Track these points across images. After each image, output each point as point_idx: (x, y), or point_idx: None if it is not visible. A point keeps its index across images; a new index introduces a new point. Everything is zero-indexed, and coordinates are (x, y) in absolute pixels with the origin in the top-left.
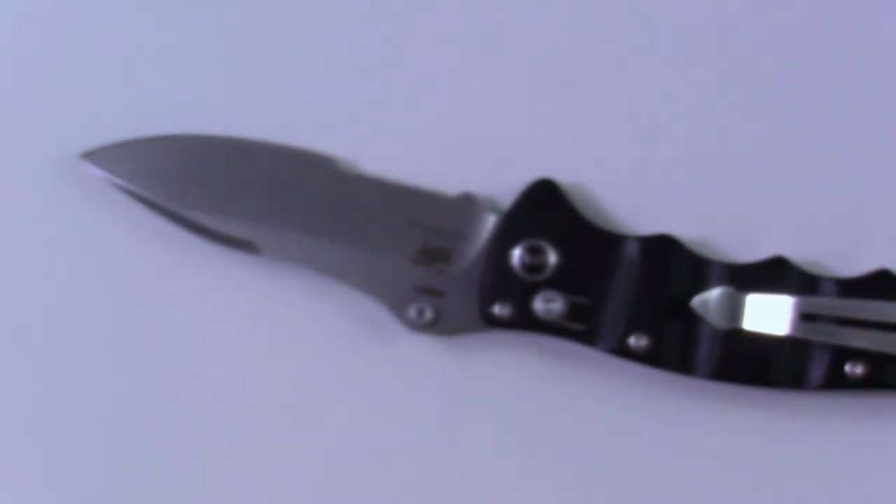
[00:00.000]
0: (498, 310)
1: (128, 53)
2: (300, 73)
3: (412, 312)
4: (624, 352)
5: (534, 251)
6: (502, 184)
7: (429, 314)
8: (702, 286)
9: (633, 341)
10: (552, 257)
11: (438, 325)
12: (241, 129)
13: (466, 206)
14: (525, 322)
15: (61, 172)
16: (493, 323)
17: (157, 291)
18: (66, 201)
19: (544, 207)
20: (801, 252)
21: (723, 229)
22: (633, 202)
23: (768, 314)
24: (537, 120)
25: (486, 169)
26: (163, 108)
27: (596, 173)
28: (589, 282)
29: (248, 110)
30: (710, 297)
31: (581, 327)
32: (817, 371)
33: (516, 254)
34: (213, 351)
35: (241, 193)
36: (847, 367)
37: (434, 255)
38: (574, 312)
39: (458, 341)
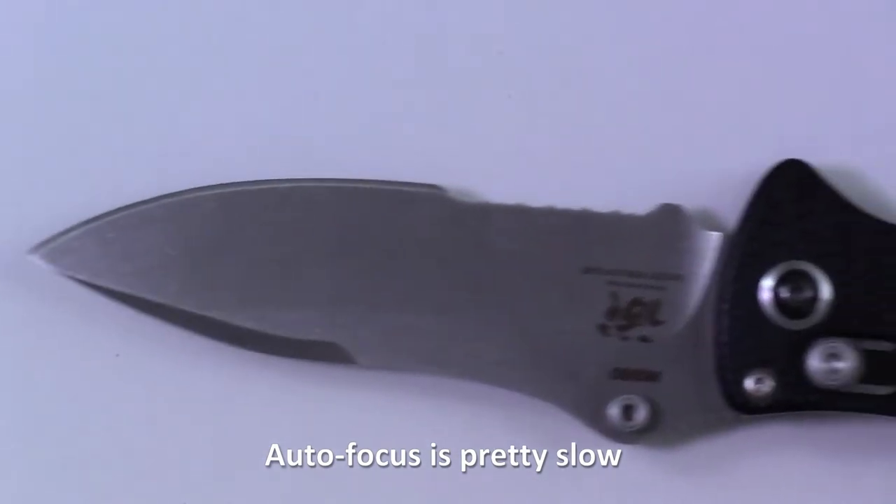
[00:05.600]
0: (754, 385)
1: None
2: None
3: (614, 414)
4: None
5: (796, 280)
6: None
7: (642, 413)
8: None
9: None
10: (825, 287)
11: (658, 429)
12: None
13: (668, 226)
14: (799, 397)
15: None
16: (748, 408)
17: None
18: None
19: (798, 206)
20: None
21: None
22: None
23: None
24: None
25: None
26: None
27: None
28: (890, 316)
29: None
30: None
31: (889, 391)
32: None
33: (767, 288)
34: None
35: (301, 269)
36: None
37: (632, 316)
38: (874, 370)
39: (688, 451)
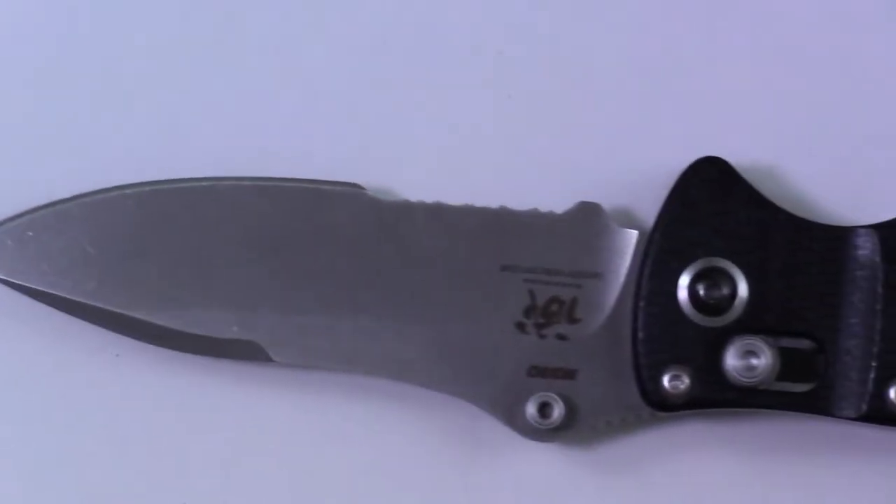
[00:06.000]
0: (670, 382)
1: None
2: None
3: (530, 412)
4: (881, 414)
5: (713, 277)
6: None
7: (558, 411)
8: None
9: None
10: (742, 284)
11: (574, 427)
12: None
13: (586, 224)
14: (716, 394)
15: None
16: (665, 405)
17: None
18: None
19: (716, 203)
20: None
21: None
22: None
23: None
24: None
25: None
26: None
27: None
28: (807, 313)
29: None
30: None
31: (805, 388)
32: None
33: (683, 286)
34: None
35: (219, 268)
36: None
37: (550, 314)
38: (791, 367)
39: (605, 449)
